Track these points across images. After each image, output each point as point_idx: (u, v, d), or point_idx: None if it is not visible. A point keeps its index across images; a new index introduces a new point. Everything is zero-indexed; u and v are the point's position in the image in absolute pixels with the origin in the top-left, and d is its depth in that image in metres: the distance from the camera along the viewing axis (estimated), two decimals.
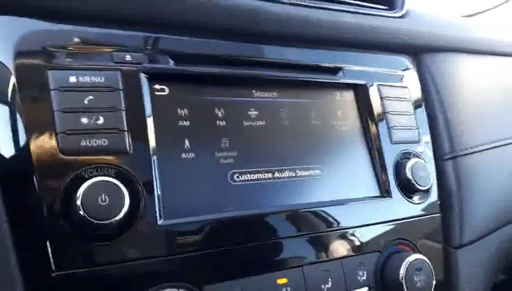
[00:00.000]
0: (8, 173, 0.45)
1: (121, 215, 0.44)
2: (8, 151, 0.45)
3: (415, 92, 0.77)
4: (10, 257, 0.43)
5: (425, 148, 0.73)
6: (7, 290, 0.43)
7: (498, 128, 0.85)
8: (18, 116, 0.45)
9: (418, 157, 0.70)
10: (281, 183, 0.58)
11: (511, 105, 0.90)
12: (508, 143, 0.85)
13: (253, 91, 0.61)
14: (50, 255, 0.43)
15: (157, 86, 0.54)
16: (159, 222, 0.48)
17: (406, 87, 0.75)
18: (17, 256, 0.43)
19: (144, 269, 0.47)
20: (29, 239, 0.44)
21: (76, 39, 0.50)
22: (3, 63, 0.47)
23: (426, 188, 0.68)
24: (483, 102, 0.85)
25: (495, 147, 0.82)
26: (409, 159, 0.68)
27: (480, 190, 0.78)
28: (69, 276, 0.44)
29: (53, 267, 0.43)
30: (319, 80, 0.66)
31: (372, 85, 0.70)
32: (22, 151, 0.45)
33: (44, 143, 0.45)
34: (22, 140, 0.45)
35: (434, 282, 0.63)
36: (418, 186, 0.66)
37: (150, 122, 0.51)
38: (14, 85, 0.46)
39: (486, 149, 0.81)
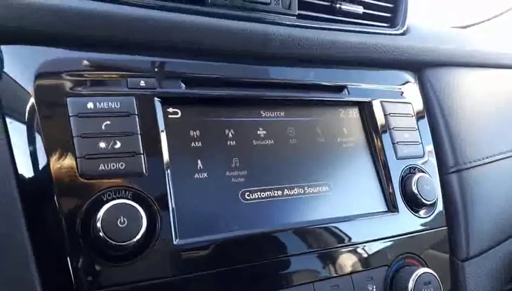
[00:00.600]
0: (31, 196, 0.46)
1: (139, 236, 0.46)
2: (31, 175, 0.47)
3: (418, 107, 0.78)
4: (33, 278, 0.44)
5: (430, 162, 0.74)
6: None
7: (501, 141, 0.85)
8: (40, 142, 0.47)
9: (423, 171, 0.71)
10: (291, 201, 0.59)
11: None
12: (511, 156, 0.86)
13: (261, 111, 0.63)
14: (72, 276, 0.45)
15: (170, 110, 0.56)
16: (174, 242, 0.50)
17: (409, 103, 0.76)
18: (40, 277, 0.45)
19: (160, 288, 0.48)
20: (51, 260, 0.46)
21: (92, 66, 0.53)
22: (25, 90, 0.49)
23: (431, 202, 0.69)
24: (486, 115, 0.86)
25: (499, 160, 0.83)
26: (414, 173, 0.69)
27: (485, 202, 0.78)
28: None
29: (75, 287, 0.45)
30: (324, 98, 0.68)
31: (376, 101, 0.72)
32: (44, 175, 0.46)
33: (65, 167, 0.47)
34: (44, 165, 0.47)
35: None
36: (424, 200, 0.67)
37: (164, 144, 0.53)
38: (35, 112, 0.48)
39: (490, 162, 0.82)
